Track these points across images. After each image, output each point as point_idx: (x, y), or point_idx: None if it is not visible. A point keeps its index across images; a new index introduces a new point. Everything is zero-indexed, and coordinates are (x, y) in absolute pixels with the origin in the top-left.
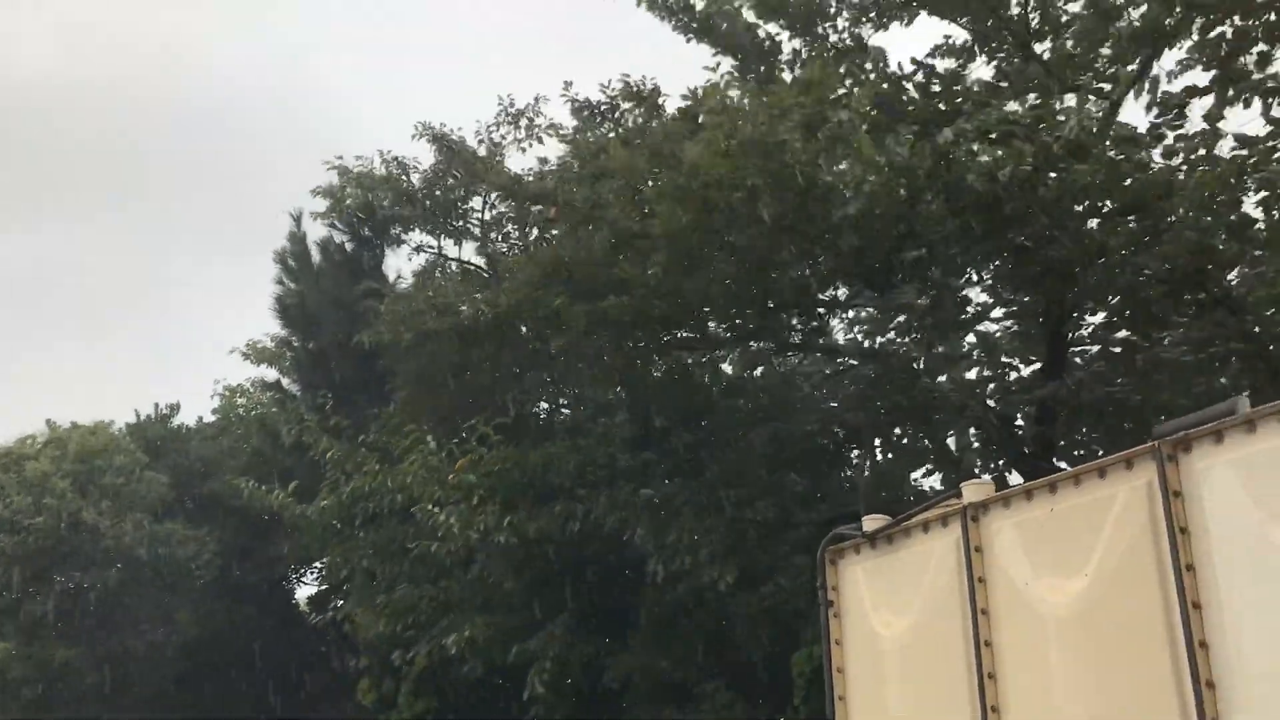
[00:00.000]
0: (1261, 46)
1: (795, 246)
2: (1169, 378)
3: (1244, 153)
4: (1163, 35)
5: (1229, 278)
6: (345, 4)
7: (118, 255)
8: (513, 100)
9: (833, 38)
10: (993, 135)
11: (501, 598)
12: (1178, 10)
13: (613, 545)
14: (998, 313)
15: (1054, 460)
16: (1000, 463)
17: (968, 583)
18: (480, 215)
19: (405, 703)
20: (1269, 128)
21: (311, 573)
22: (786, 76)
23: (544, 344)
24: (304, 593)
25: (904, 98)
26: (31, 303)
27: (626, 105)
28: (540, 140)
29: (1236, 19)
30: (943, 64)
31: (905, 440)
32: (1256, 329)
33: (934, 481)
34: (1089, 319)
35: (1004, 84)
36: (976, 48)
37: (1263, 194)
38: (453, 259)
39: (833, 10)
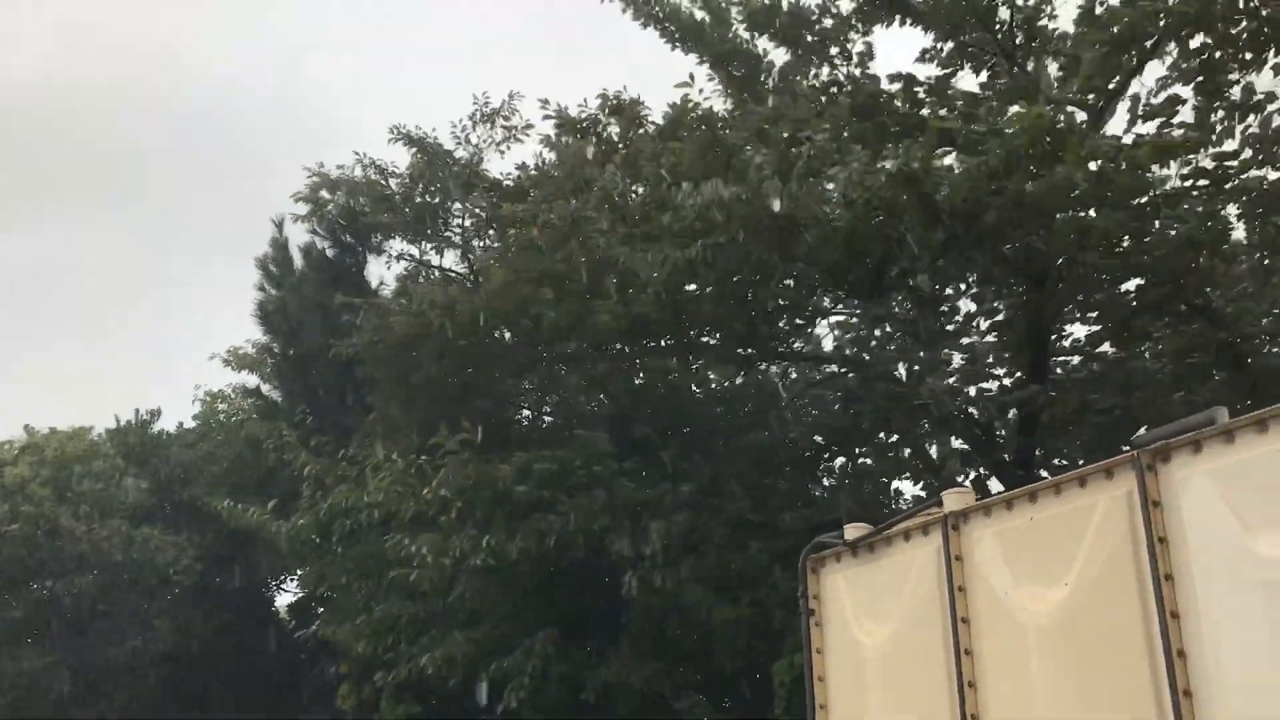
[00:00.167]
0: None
1: (779, 264)
2: (1150, 392)
3: (1231, 164)
4: (1144, 50)
5: (1208, 290)
6: (345, 5)
7: (116, 256)
8: (488, 99)
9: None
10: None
11: (482, 613)
12: (1161, 20)
13: (592, 556)
14: (983, 324)
15: (1035, 469)
16: (981, 471)
17: (948, 591)
18: (461, 222)
19: (387, 707)
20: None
21: (292, 579)
22: (770, 83)
23: (526, 350)
24: (284, 600)
25: (883, 105)
26: (29, 304)
27: (607, 119)
28: (520, 140)
29: (1219, 27)
30: (927, 71)
31: (892, 452)
32: (1237, 340)
33: (916, 489)
34: (1070, 330)
35: (988, 94)
36: (961, 60)
37: (1243, 202)
38: (434, 267)
39: (816, 19)
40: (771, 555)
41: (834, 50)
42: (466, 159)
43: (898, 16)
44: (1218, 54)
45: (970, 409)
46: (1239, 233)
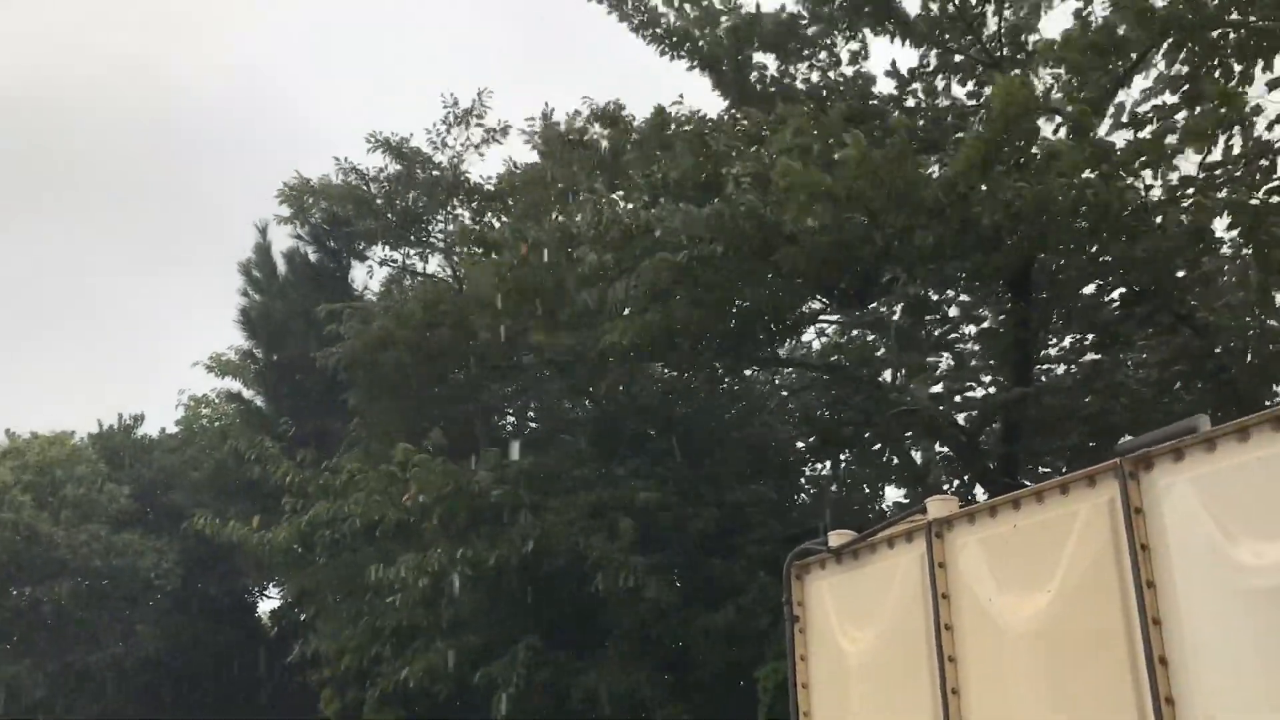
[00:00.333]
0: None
1: (765, 272)
2: (1133, 400)
3: (1218, 174)
4: (1130, 60)
5: (1192, 302)
6: (321, 16)
7: (99, 260)
8: (456, 100)
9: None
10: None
11: (466, 622)
12: (1153, 25)
13: (573, 563)
14: (970, 329)
15: (1018, 476)
16: (966, 478)
17: (932, 598)
18: (444, 227)
19: (371, 711)
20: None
21: (274, 586)
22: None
23: (511, 356)
24: (266, 605)
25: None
26: (10, 308)
27: (599, 131)
28: (499, 141)
29: (1208, 37)
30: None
31: (883, 458)
32: (1218, 350)
33: (899, 495)
34: (1055, 340)
35: (974, 102)
36: (948, 73)
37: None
38: (418, 274)
39: (806, 23)
40: (755, 561)
41: (822, 55)
42: (445, 164)
43: (886, 23)
44: (1206, 63)
45: (955, 415)
46: (1225, 244)
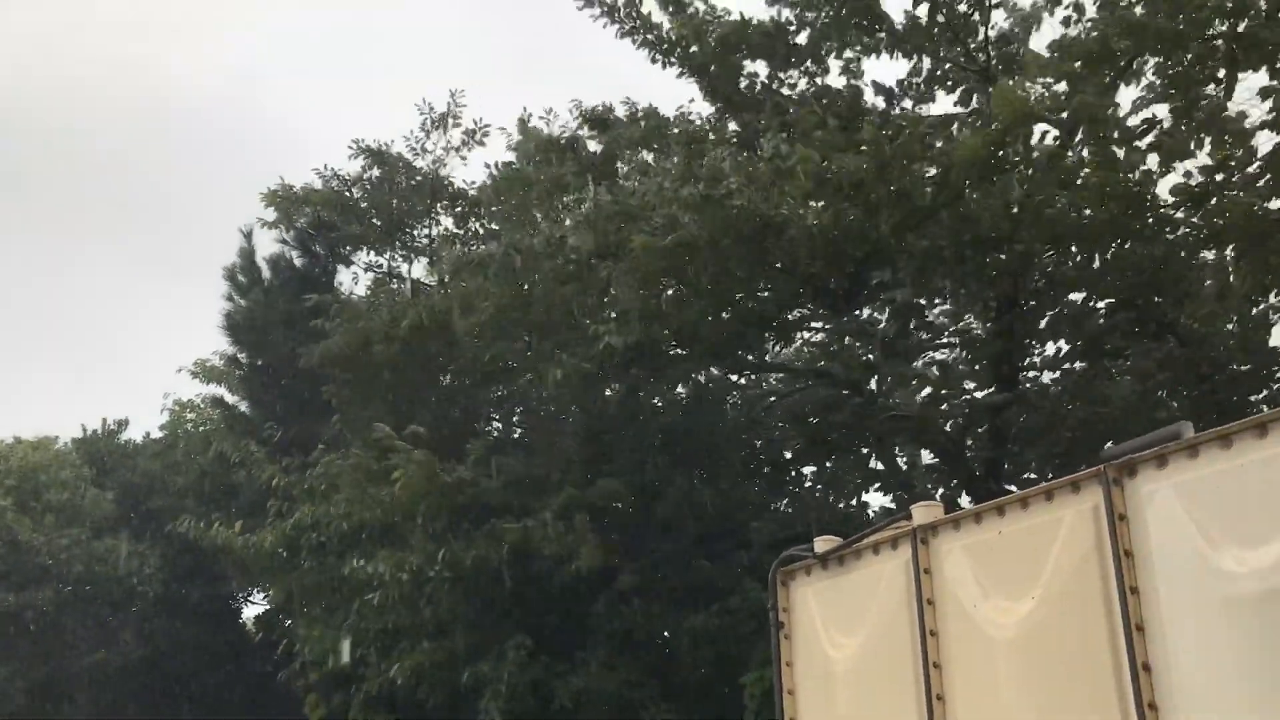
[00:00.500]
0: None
1: (755, 276)
2: (1117, 408)
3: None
4: (1119, 69)
5: (1179, 314)
6: (310, 23)
7: (84, 266)
8: (431, 105)
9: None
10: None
11: (451, 623)
12: (1140, 36)
13: (559, 564)
14: (956, 338)
15: (1003, 483)
16: (952, 484)
17: (917, 604)
18: (429, 231)
19: (357, 713)
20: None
21: (259, 590)
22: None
23: (498, 363)
24: (251, 611)
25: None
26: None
27: (586, 132)
28: (482, 144)
29: (1197, 45)
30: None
31: (868, 464)
32: (1202, 358)
33: (886, 501)
34: (1040, 348)
35: (963, 110)
36: (936, 85)
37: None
38: (404, 279)
39: (795, 30)
40: (741, 566)
41: (809, 63)
42: (426, 168)
43: (875, 33)
44: (1194, 70)
45: (941, 420)
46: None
